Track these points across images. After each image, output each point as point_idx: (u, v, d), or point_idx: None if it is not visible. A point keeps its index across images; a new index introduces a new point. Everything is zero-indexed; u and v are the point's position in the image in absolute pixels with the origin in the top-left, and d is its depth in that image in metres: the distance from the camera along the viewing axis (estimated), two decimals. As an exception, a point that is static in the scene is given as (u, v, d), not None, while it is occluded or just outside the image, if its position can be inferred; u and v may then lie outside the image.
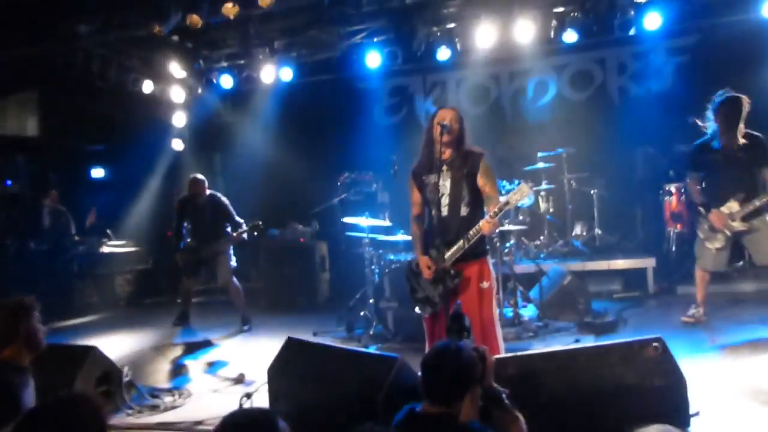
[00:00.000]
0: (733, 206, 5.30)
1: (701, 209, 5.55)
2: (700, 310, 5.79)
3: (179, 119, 9.61)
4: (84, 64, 7.87)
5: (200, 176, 7.07)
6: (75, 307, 8.55)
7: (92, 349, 4.47)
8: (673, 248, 7.93)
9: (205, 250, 6.90)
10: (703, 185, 5.61)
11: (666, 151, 8.18)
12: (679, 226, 7.88)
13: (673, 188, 7.96)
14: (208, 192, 7.04)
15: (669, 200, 8.03)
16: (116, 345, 6.43)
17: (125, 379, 4.61)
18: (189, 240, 7.12)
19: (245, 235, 6.81)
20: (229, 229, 6.99)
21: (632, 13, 7.31)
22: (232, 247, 7.03)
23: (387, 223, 6.89)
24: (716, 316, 5.95)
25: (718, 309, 6.17)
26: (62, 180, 9.91)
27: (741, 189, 5.29)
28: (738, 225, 5.29)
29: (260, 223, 6.80)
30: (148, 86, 8.83)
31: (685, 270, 7.61)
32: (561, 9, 7.59)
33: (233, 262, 7.04)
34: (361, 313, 6.60)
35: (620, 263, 7.59)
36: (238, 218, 6.96)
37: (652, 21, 7.20)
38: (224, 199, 7.07)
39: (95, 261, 9.12)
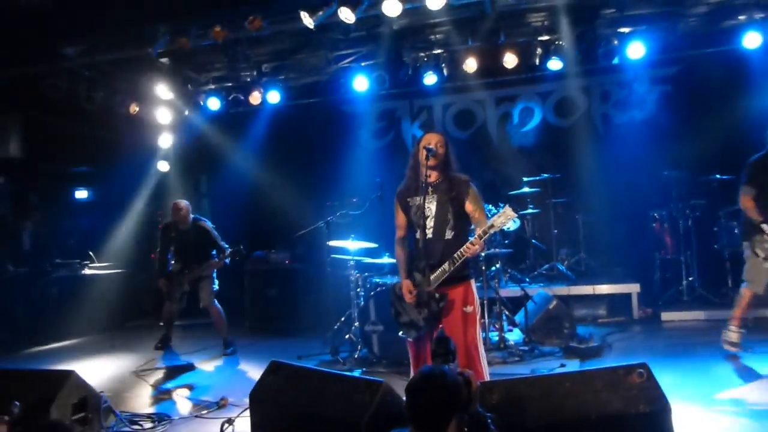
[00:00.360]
0: None
1: (764, 226, 5.13)
2: (742, 332, 5.46)
3: (165, 141, 9.57)
4: (70, 85, 7.85)
5: (183, 202, 7.08)
6: (54, 331, 8.38)
7: (70, 374, 4.35)
8: (658, 274, 7.98)
9: (188, 275, 6.91)
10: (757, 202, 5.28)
11: (650, 178, 8.28)
12: (663, 251, 7.95)
13: (656, 214, 8.04)
14: (191, 217, 7.05)
15: (654, 226, 8.11)
16: (96, 369, 6.33)
17: (104, 405, 4.49)
18: (173, 264, 7.10)
19: (227, 260, 6.86)
20: (214, 253, 6.98)
21: (616, 42, 7.47)
22: (215, 271, 7.02)
23: (373, 245, 6.89)
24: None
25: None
26: (44, 201, 9.80)
27: None
28: None
29: (242, 248, 6.84)
30: (134, 108, 8.80)
31: (668, 296, 7.68)
32: (546, 37, 7.73)
33: (215, 286, 7.03)
34: (346, 337, 6.55)
35: (605, 288, 7.63)
36: (223, 243, 6.98)
37: (636, 50, 7.35)
38: (209, 225, 7.08)
39: (77, 284, 8.97)
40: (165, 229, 7.16)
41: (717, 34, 7.55)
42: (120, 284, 9.53)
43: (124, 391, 5.62)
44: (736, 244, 7.37)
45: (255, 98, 8.42)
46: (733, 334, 5.43)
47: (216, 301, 6.99)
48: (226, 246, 6.93)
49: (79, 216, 10.34)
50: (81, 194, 10.74)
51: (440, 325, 4.01)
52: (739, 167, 7.56)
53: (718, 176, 7.53)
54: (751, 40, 7.06)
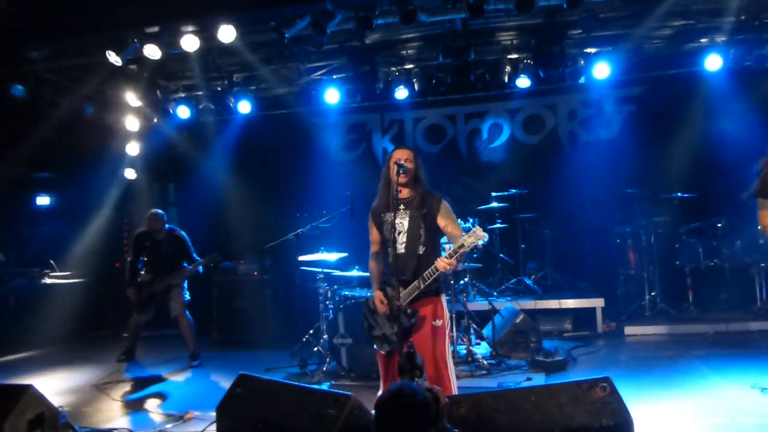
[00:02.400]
0: None
1: None
2: None
3: (133, 148, 9.43)
4: (34, 89, 7.68)
5: (160, 211, 7.07)
6: (12, 343, 8.12)
7: (27, 389, 4.20)
8: (621, 289, 8.15)
9: (159, 284, 6.84)
10: None
11: (614, 195, 8.46)
12: (626, 266, 8.13)
13: (621, 231, 8.22)
14: (166, 226, 7.02)
15: (618, 242, 8.29)
16: (55, 383, 6.16)
17: (62, 421, 4.35)
18: (143, 274, 7.01)
19: (200, 268, 6.86)
20: (185, 263, 6.94)
21: (582, 62, 7.69)
22: (186, 281, 6.97)
23: (342, 255, 6.89)
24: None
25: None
26: (3, 207, 9.52)
27: None
28: None
29: (217, 253, 6.84)
30: (102, 114, 8.67)
31: (632, 311, 7.85)
32: (515, 55, 7.90)
33: (187, 296, 6.98)
34: (315, 349, 6.52)
35: (570, 303, 7.75)
36: (195, 255, 6.99)
37: (601, 71, 7.57)
38: (183, 234, 7.07)
39: (36, 293, 8.73)
40: (138, 238, 7.05)
41: (680, 56, 7.83)
42: (82, 294, 9.27)
43: (84, 405, 5.47)
44: (696, 261, 7.63)
45: (226, 108, 8.39)
46: None
47: (187, 312, 6.93)
48: (198, 258, 6.92)
49: (40, 223, 10.08)
50: (43, 200, 10.47)
51: (410, 340, 4.04)
52: (699, 186, 7.86)
53: (680, 194, 7.76)
54: (712, 63, 7.35)
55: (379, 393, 4.31)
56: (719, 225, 7.63)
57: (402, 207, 4.10)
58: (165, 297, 6.89)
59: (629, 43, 7.59)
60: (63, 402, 4.83)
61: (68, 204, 10.15)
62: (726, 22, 7.05)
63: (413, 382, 2.66)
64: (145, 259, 7.04)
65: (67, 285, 9.15)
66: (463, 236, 3.77)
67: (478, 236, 3.73)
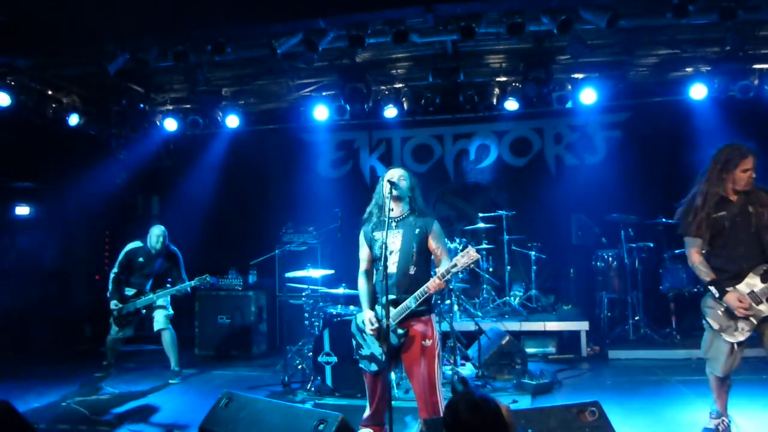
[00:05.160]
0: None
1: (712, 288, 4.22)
2: (725, 421, 4.36)
3: (118, 160, 9.31)
4: (18, 98, 7.57)
5: (163, 228, 6.94)
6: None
7: (2, 405, 4.09)
8: (605, 313, 8.18)
9: (144, 300, 6.70)
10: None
11: (598, 219, 8.54)
12: (610, 291, 8.17)
13: (605, 254, 8.27)
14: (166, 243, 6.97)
15: (601, 266, 8.34)
16: (31, 399, 5.97)
17: (39, 437, 4.25)
18: (128, 288, 6.83)
19: (189, 290, 6.75)
20: (169, 280, 6.89)
21: (569, 87, 7.80)
22: (170, 296, 6.87)
23: (329, 272, 6.84)
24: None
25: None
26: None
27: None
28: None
29: (207, 276, 6.70)
30: (86, 125, 8.56)
31: (616, 335, 7.88)
32: (504, 78, 8.00)
33: (170, 310, 6.88)
34: (299, 367, 6.43)
35: (555, 325, 7.75)
36: (185, 275, 6.93)
37: (588, 96, 7.68)
38: (178, 252, 7.02)
39: (8, 305, 8.50)
40: (132, 253, 6.86)
41: (665, 85, 7.99)
42: (60, 306, 9.10)
43: (60, 422, 5.31)
44: (680, 286, 7.69)
45: (214, 122, 8.35)
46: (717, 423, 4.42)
47: (171, 328, 6.82)
48: (187, 279, 6.83)
49: (18, 233, 9.87)
50: (22, 210, 10.29)
51: (399, 359, 4.01)
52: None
53: (663, 220, 7.84)
54: (697, 92, 7.50)
55: (366, 414, 4.26)
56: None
57: (394, 225, 4.10)
58: (149, 312, 6.77)
59: (616, 70, 7.75)
60: (38, 419, 4.68)
61: (49, 215, 9.97)
62: (711, 52, 7.23)
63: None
64: (134, 273, 6.86)
65: (43, 298, 8.95)
66: (456, 257, 3.77)
67: (471, 257, 3.73)
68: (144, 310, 6.75)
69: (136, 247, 6.88)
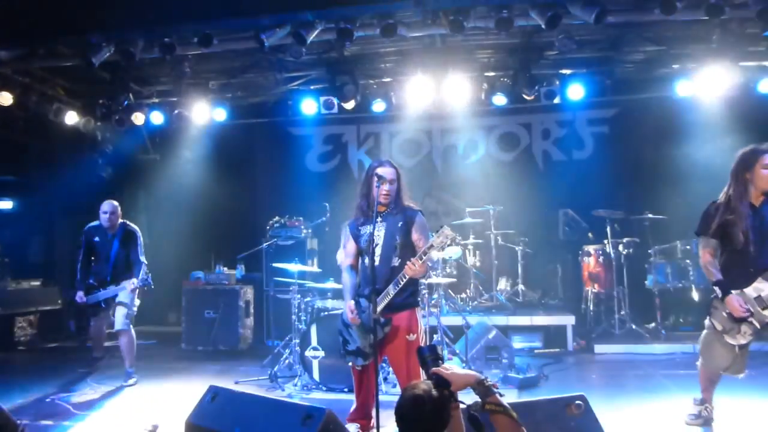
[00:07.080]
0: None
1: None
2: (708, 407, 4.46)
3: (102, 153, 9.22)
4: (1, 90, 7.45)
5: (115, 202, 6.39)
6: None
7: (-14, 398, 4.05)
8: (591, 307, 8.24)
9: (106, 290, 6.21)
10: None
11: (585, 214, 8.59)
12: (596, 285, 8.22)
13: (591, 249, 8.32)
14: (120, 221, 6.40)
15: (587, 261, 8.39)
16: (14, 394, 5.90)
17: (21, 434, 4.18)
18: (92, 277, 6.38)
19: (149, 279, 6.09)
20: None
21: (557, 83, 7.81)
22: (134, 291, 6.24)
23: (316, 269, 6.81)
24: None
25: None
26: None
27: None
28: None
29: (150, 278, 6.09)
30: (71, 117, 8.46)
31: (601, 329, 7.94)
32: (492, 73, 8.00)
33: (135, 308, 6.34)
34: (286, 362, 6.42)
35: (541, 320, 7.80)
36: (142, 257, 6.28)
37: (575, 92, 7.71)
38: (137, 229, 6.44)
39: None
40: (89, 232, 6.36)
41: (652, 81, 8.03)
42: (43, 301, 9.00)
43: (45, 418, 5.25)
44: (665, 282, 7.76)
45: (200, 115, 8.28)
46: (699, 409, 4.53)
47: (131, 326, 6.29)
48: (143, 261, 6.22)
49: (0, 227, 9.75)
50: (4, 204, 10.17)
51: (384, 353, 4.01)
52: (669, 208, 8.01)
53: (650, 215, 7.90)
54: (683, 89, 7.55)
55: (353, 408, 4.27)
56: (687, 247, 7.79)
57: (380, 220, 4.11)
58: (108, 306, 6.25)
59: (603, 66, 7.78)
60: (22, 415, 4.62)
61: (31, 208, 9.86)
62: (697, 49, 7.26)
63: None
64: (96, 258, 6.34)
65: (26, 291, 8.84)
66: (432, 238, 3.78)
67: (447, 235, 3.75)
68: (103, 304, 6.25)
69: (93, 226, 6.38)
